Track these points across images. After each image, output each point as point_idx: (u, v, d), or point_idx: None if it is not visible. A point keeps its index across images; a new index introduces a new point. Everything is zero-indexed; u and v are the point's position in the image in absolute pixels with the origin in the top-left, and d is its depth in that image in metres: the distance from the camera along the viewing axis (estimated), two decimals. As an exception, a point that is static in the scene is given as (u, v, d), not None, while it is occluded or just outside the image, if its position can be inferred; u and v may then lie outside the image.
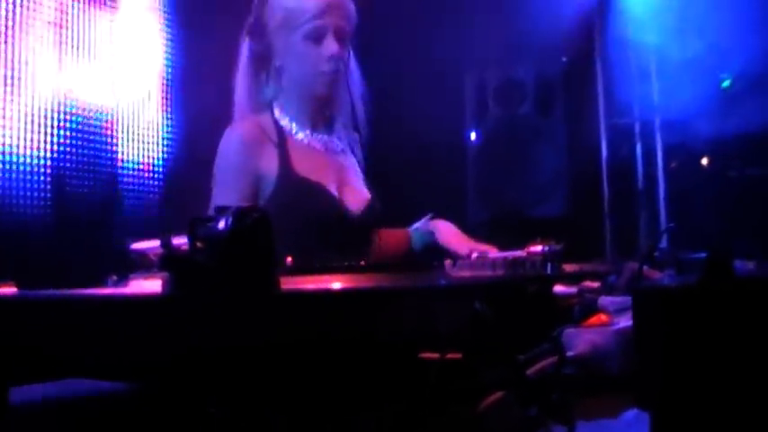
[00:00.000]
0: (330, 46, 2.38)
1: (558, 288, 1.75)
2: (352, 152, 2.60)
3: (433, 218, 2.54)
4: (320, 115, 2.51)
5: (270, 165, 2.35)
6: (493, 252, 2.18)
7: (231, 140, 2.38)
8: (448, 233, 2.44)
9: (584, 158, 5.36)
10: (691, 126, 4.89)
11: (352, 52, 2.53)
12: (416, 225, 2.53)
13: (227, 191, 2.33)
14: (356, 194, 2.47)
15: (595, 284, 1.81)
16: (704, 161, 5.14)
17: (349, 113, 2.56)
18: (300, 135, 2.44)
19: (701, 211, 4.85)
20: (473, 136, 5.48)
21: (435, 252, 2.39)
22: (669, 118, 5.38)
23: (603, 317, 1.54)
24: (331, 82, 2.43)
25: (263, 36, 2.42)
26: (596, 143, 5.55)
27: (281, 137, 2.41)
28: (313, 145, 2.45)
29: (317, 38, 2.38)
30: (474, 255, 2.06)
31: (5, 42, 3.38)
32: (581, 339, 1.44)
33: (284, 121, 2.44)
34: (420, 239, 2.50)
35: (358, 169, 2.56)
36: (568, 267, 1.96)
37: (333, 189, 2.39)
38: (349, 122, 2.58)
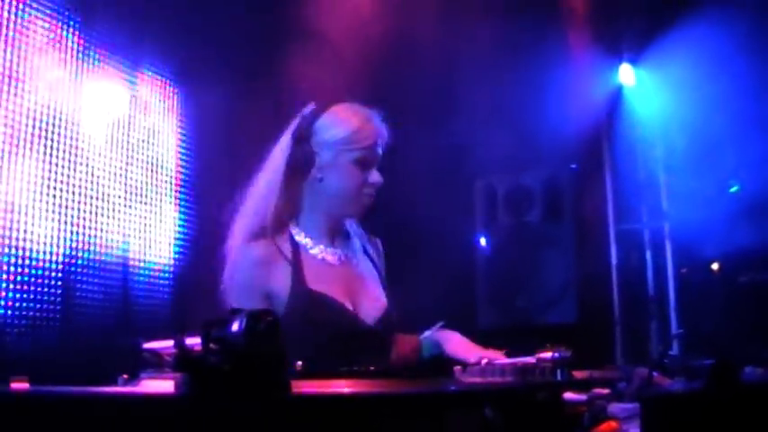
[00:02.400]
0: (375, 176, 2.47)
1: (568, 395, 1.75)
2: (371, 259, 2.63)
3: (442, 327, 2.54)
4: (338, 230, 2.57)
5: (282, 282, 2.38)
6: (501, 359, 2.18)
7: (243, 260, 2.41)
8: (455, 343, 2.44)
9: (593, 264, 5.37)
10: (700, 232, 4.91)
11: None
12: (427, 333, 2.53)
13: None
14: (372, 302, 2.49)
15: (605, 391, 1.81)
16: (715, 267, 5.14)
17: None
18: (315, 250, 2.48)
19: (713, 317, 4.83)
20: (483, 242, 5.52)
21: (442, 363, 2.39)
22: (678, 224, 5.41)
23: (613, 424, 1.54)
24: (364, 207, 2.50)
25: (307, 143, 2.46)
26: (606, 249, 5.57)
27: (296, 253, 2.44)
28: (327, 259, 2.49)
29: (364, 165, 2.46)
30: (483, 361, 2.06)
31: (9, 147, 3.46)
32: (591, 447, 1.43)
33: (299, 237, 2.48)
34: (428, 349, 2.50)
35: (375, 276, 2.59)
36: (578, 374, 1.95)
37: (346, 301, 2.42)
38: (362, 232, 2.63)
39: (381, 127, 2.49)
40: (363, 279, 2.54)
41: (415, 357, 2.50)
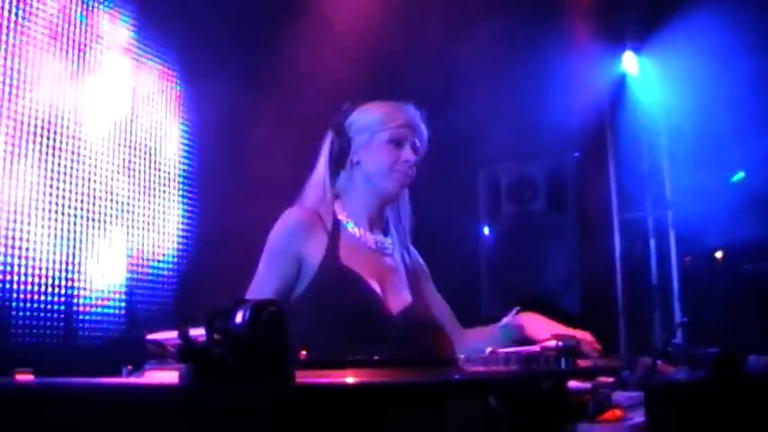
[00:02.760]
0: (407, 153, 2.57)
1: (573, 383, 1.75)
2: (404, 261, 2.66)
3: (519, 311, 2.57)
4: (379, 217, 2.65)
5: (316, 250, 2.45)
6: (584, 337, 2.24)
7: (283, 223, 2.49)
8: (536, 325, 2.48)
9: (597, 253, 5.37)
10: (704, 221, 4.90)
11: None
12: (504, 320, 2.56)
13: (269, 270, 2.43)
14: (397, 296, 2.53)
15: (609, 380, 1.81)
16: (718, 255, 5.14)
17: (406, 229, 2.71)
18: (355, 230, 2.55)
19: (717, 306, 4.83)
20: (486, 231, 5.52)
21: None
22: (682, 213, 5.40)
23: (618, 412, 1.54)
24: (400, 185, 2.59)
25: (346, 133, 2.59)
26: (609, 238, 5.57)
27: (336, 227, 2.53)
28: (364, 241, 2.56)
29: (398, 143, 2.57)
30: (488, 350, 2.06)
31: (11, 143, 3.46)
32: (595, 435, 1.44)
33: (342, 216, 2.56)
34: (508, 335, 2.52)
35: (404, 275, 2.62)
36: (582, 363, 1.96)
37: (374, 284, 2.47)
38: (405, 236, 2.68)
39: (414, 114, 2.63)
40: (394, 271, 2.59)
41: (497, 345, 2.51)
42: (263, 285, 2.39)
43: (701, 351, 1.69)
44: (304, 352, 1.69)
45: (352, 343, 2.26)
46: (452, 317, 2.73)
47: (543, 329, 2.41)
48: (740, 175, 5.05)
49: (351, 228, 2.55)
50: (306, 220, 2.49)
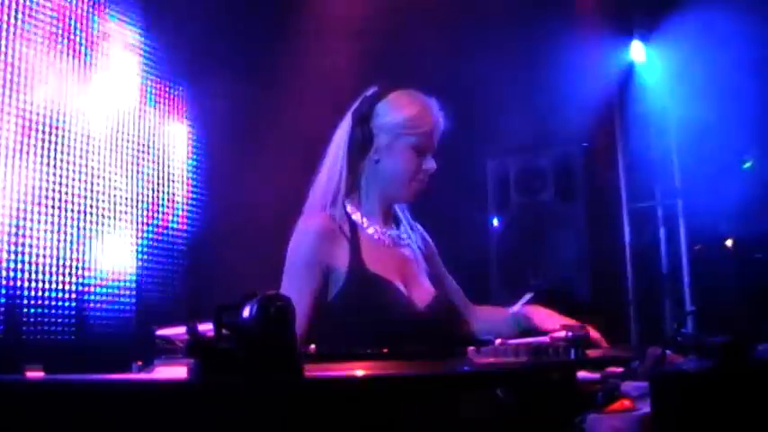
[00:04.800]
0: (430, 162, 2.52)
1: (582, 374, 1.75)
2: (419, 247, 2.65)
3: (529, 301, 2.57)
4: (390, 213, 2.62)
5: (341, 259, 2.40)
6: (591, 330, 2.20)
7: (306, 233, 2.42)
8: (543, 316, 2.48)
9: (606, 243, 5.36)
10: (714, 209, 4.88)
11: None
12: (513, 309, 2.56)
13: (299, 284, 2.35)
14: (422, 289, 2.52)
15: (619, 370, 1.81)
16: (729, 243, 5.12)
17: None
18: (370, 230, 2.51)
19: (727, 294, 4.81)
20: (495, 222, 5.51)
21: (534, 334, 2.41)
22: (692, 201, 5.39)
23: (627, 402, 1.53)
24: (416, 193, 2.55)
25: (367, 125, 2.50)
26: (619, 227, 5.55)
27: (353, 230, 2.47)
28: (382, 240, 2.52)
29: (421, 151, 2.51)
30: (497, 341, 2.06)
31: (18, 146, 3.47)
32: (604, 426, 1.43)
33: (355, 216, 2.51)
34: (518, 324, 2.52)
35: (423, 263, 2.62)
36: (592, 353, 1.96)
37: (399, 284, 2.45)
38: (408, 217, 2.67)
39: (439, 115, 2.55)
40: (413, 262, 2.58)
41: (508, 331, 2.52)
42: (296, 301, 2.34)
43: (710, 340, 1.69)
44: (313, 345, 1.70)
45: (381, 342, 2.25)
46: (462, 294, 2.74)
47: (550, 320, 2.41)
48: (749, 162, 5.03)
49: (368, 228, 2.50)
50: (327, 227, 2.43)
